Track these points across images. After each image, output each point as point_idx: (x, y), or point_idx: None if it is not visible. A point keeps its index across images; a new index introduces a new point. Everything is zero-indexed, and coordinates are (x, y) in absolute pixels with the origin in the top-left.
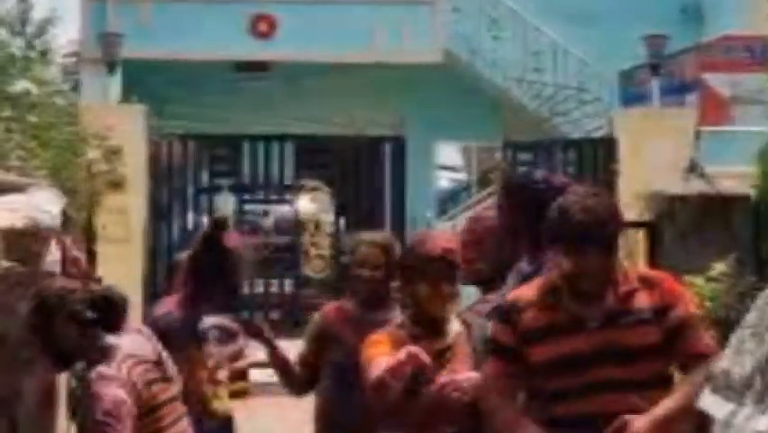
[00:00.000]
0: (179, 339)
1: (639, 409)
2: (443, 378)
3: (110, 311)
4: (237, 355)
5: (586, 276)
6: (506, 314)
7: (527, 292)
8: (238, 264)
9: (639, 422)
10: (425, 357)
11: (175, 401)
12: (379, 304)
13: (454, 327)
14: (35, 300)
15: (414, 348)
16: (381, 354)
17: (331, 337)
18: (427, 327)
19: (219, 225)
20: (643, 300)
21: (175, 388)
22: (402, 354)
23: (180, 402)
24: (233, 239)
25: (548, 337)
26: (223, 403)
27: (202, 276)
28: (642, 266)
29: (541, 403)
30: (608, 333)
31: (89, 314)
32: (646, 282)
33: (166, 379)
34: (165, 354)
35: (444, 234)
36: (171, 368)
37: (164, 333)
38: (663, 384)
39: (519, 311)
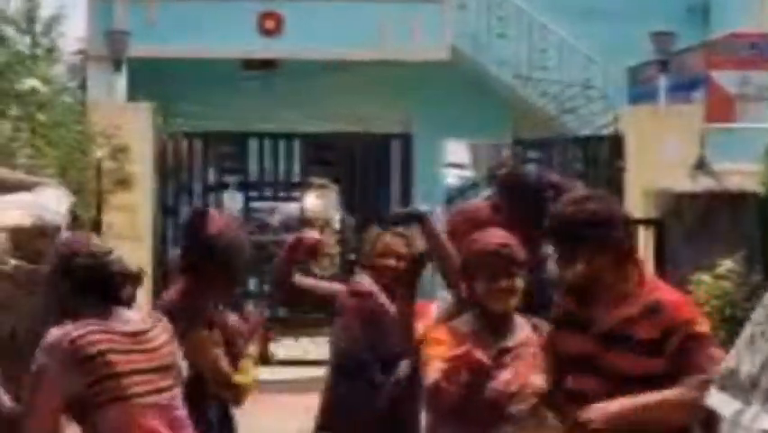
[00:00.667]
0: (179, 326)
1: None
2: (504, 375)
3: (107, 281)
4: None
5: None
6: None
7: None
8: (229, 249)
9: (591, 410)
10: (482, 357)
11: (149, 374)
12: (397, 295)
13: (524, 330)
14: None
15: (470, 349)
16: (439, 356)
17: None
18: (490, 324)
19: (198, 214)
20: (643, 330)
21: (154, 361)
22: (458, 354)
23: (162, 377)
24: (218, 224)
25: (562, 329)
26: (245, 376)
27: (195, 270)
28: (649, 267)
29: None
30: (598, 347)
31: (81, 277)
32: (654, 308)
33: (142, 351)
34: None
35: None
36: (156, 341)
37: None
38: None
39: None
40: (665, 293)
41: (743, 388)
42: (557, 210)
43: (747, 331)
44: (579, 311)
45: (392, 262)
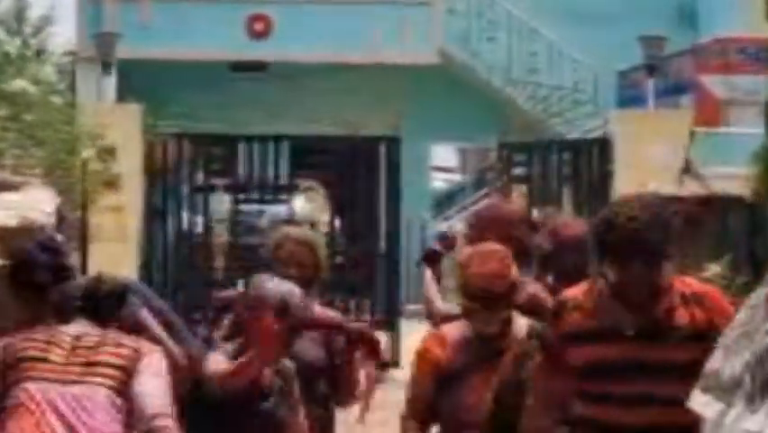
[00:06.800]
0: None
1: (681, 424)
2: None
3: None
4: None
5: (632, 287)
6: (554, 311)
7: (576, 293)
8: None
9: None
10: None
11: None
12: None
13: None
14: None
15: None
16: None
17: None
18: None
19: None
20: (684, 317)
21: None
22: None
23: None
24: (572, 227)
25: (588, 341)
26: None
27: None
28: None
29: (585, 405)
30: (643, 345)
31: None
32: (691, 298)
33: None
34: None
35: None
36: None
37: None
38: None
39: (567, 310)
40: (697, 284)
41: (726, 389)
42: (643, 219)
43: (730, 333)
44: (607, 320)
45: (293, 271)
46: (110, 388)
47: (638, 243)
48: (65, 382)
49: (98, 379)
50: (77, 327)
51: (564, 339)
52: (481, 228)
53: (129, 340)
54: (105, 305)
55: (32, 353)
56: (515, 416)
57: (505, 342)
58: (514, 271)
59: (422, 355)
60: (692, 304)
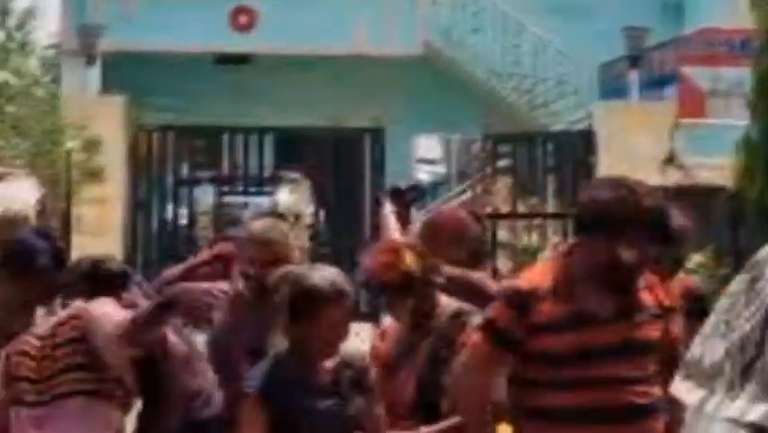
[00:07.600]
0: None
1: (635, 404)
2: None
3: None
4: None
5: (647, 265)
6: (521, 302)
7: (543, 281)
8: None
9: None
10: None
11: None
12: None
13: None
14: None
15: None
16: None
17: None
18: None
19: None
20: (647, 298)
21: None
22: None
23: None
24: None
25: (562, 329)
26: None
27: None
28: None
29: (536, 392)
30: (622, 327)
31: None
32: (646, 282)
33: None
34: None
35: None
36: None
37: None
38: (659, 381)
39: (537, 301)
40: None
41: (707, 376)
42: (648, 202)
43: (711, 320)
44: (583, 305)
45: (253, 268)
46: (84, 393)
47: (665, 221)
48: (38, 405)
49: (69, 387)
50: (45, 324)
51: (536, 329)
52: (432, 237)
53: (74, 330)
54: (106, 285)
55: (17, 371)
56: (437, 395)
57: (427, 328)
58: (407, 260)
59: (370, 350)
60: (650, 285)
